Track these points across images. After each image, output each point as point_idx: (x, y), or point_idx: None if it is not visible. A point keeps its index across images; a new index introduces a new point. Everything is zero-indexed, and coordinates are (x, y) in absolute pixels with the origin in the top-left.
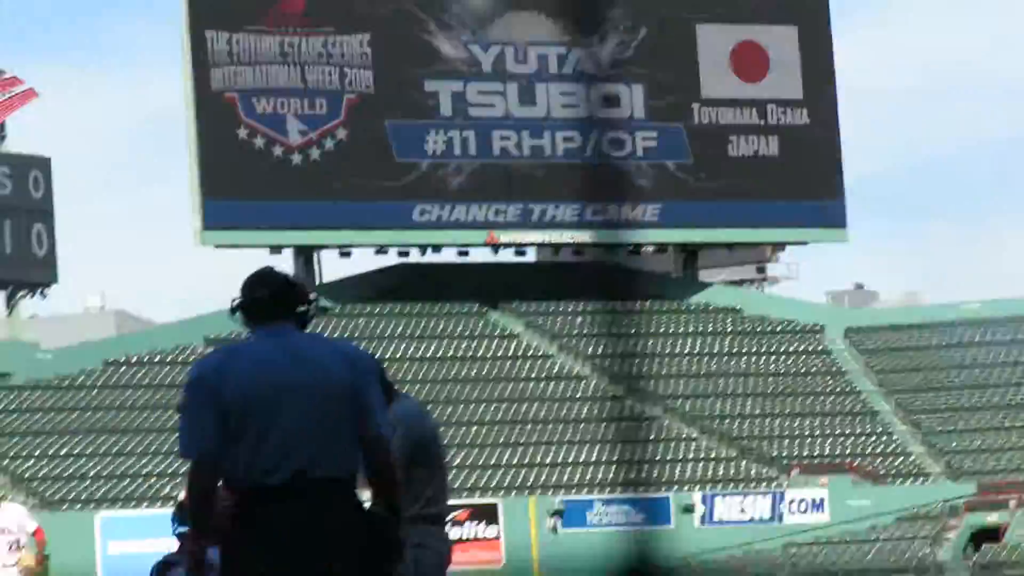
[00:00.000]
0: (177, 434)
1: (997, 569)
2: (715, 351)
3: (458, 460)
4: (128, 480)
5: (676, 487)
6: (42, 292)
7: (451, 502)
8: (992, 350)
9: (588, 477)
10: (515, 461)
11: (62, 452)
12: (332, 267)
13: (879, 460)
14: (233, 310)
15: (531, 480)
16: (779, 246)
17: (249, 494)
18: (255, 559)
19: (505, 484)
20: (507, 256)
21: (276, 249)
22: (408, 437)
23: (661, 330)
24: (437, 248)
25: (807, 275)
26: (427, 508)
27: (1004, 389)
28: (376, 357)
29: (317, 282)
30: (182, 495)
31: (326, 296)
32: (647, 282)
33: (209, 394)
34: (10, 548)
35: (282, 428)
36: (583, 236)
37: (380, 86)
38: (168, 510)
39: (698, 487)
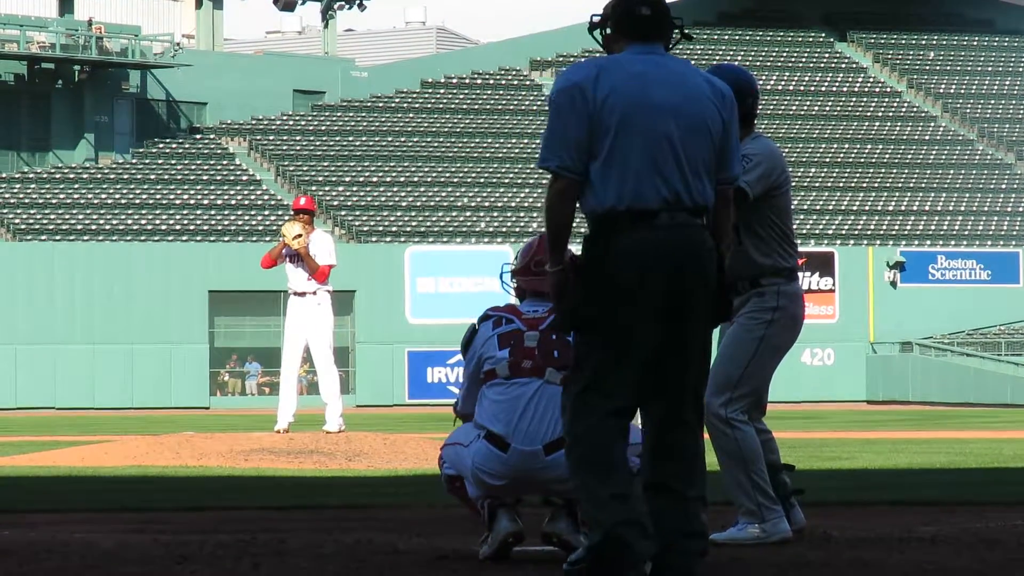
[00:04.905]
0: (492, 164)
1: None
2: None
3: (794, 205)
4: (442, 212)
5: None
6: (360, 4)
7: None
8: None
9: (932, 228)
10: (855, 207)
11: (373, 179)
12: None
13: None
14: (597, 25)
15: (871, 228)
16: None
17: (610, 218)
18: (617, 285)
19: (843, 232)
20: None
21: None
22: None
23: (1021, 69)
24: None
25: None
26: (790, 260)
27: None
28: None
29: None
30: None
31: None
32: (1010, 16)
33: (583, 103)
34: (307, 276)
35: (655, 151)
36: None
37: None
38: (482, 247)
39: None
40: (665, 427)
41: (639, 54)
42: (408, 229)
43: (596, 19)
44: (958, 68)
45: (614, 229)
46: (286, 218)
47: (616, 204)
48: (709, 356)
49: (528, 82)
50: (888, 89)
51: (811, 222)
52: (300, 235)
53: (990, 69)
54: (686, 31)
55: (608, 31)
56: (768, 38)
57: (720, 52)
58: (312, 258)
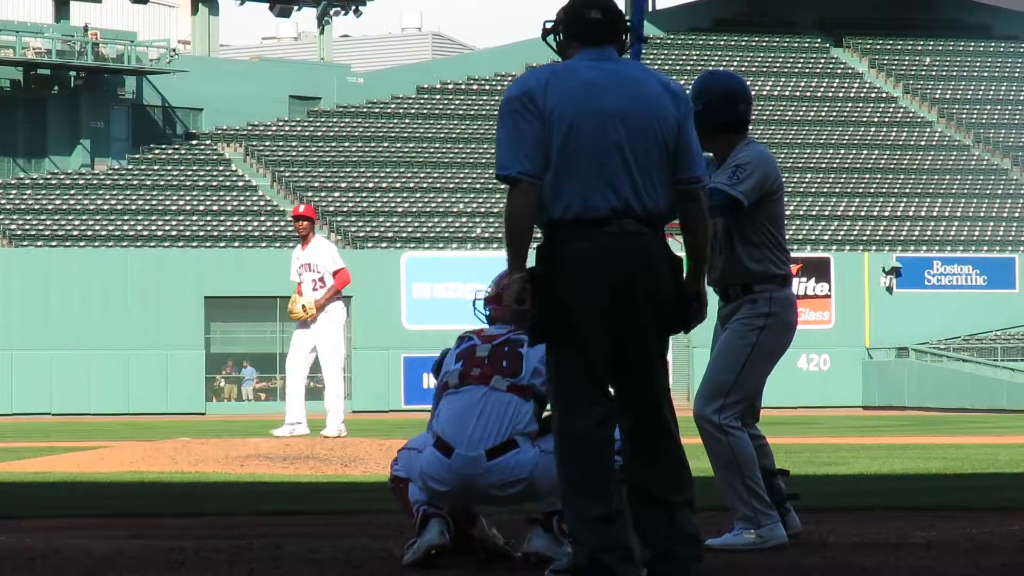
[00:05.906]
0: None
1: None
2: None
3: (789, 210)
4: (437, 218)
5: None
6: (356, 10)
7: None
8: None
9: (928, 233)
10: (850, 213)
11: (369, 185)
12: None
13: None
14: (550, 32)
15: (866, 234)
16: None
17: (559, 226)
18: (566, 292)
19: (839, 237)
20: None
21: None
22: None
23: (1017, 74)
24: None
25: None
26: (782, 267)
27: None
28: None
29: (649, 8)
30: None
31: (658, 25)
32: (1006, 21)
33: (535, 110)
34: (314, 286)
35: (604, 159)
36: None
37: None
38: (478, 252)
39: None
40: (641, 433)
41: (591, 60)
42: (404, 235)
43: (548, 25)
44: (954, 73)
45: (564, 237)
46: (291, 305)
47: (564, 214)
48: (666, 361)
49: None
50: (884, 94)
51: (807, 227)
52: (303, 304)
53: (986, 74)
54: (648, 34)
55: (560, 37)
56: (764, 44)
57: (716, 58)
58: (329, 292)
